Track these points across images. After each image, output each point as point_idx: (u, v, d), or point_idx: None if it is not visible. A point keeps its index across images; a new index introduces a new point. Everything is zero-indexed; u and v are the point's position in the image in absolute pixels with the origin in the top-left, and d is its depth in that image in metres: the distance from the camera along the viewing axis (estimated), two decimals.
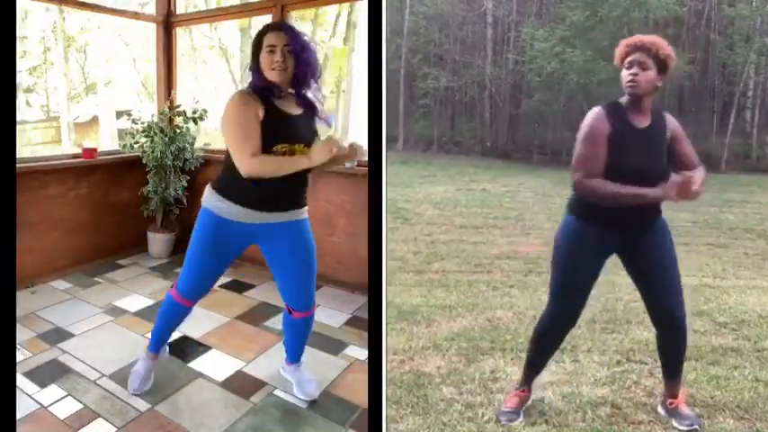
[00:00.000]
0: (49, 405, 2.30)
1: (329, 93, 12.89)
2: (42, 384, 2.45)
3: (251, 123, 2.03)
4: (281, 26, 2.20)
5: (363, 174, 3.58)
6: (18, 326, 2.88)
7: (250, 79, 2.16)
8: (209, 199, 2.18)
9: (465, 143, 11.78)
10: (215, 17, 5.62)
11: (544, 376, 2.38)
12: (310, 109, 2.22)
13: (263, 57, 2.10)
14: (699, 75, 10.82)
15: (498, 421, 2.05)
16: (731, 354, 2.66)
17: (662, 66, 1.89)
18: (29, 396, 2.35)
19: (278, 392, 2.47)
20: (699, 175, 1.83)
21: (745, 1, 10.32)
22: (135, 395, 2.39)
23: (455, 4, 11.71)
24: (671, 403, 2.08)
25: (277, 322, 3.19)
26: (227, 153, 2.12)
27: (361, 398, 2.42)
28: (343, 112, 12.46)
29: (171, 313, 2.40)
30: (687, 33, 10.90)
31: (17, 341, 2.74)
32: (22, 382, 2.44)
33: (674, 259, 2.02)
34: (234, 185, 2.12)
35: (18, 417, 2.13)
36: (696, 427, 2.02)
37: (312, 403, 2.40)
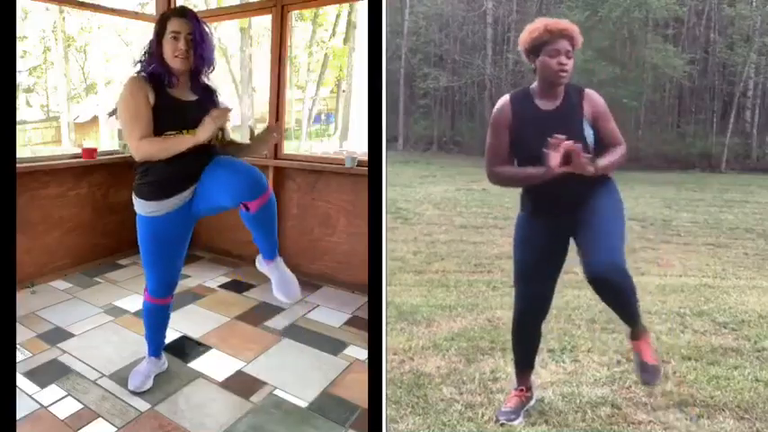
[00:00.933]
0: (49, 405, 2.30)
1: (329, 93, 12.91)
2: (42, 384, 2.44)
3: (141, 108, 2.06)
4: (185, 13, 2.18)
5: (363, 174, 3.58)
6: (18, 326, 2.88)
7: (139, 64, 2.17)
8: (136, 205, 2.25)
9: (465, 143, 11.79)
10: (215, 17, 5.61)
11: (544, 376, 2.39)
12: (206, 94, 2.24)
13: (167, 42, 2.11)
14: (699, 75, 10.82)
15: (497, 420, 2.05)
16: (731, 354, 2.66)
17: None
18: (29, 396, 2.35)
19: (278, 392, 2.47)
20: (611, 154, 1.87)
21: (745, 1, 10.32)
22: (135, 395, 2.39)
23: (455, 4, 11.72)
24: (634, 347, 2.07)
25: (277, 322, 3.19)
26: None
27: (361, 398, 2.42)
28: (343, 112, 12.47)
29: (150, 315, 2.48)
30: (687, 33, 10.90)
31: (17, 341, 2.74)
32: (22, 382, 2.44)
33: (616, 214, 1.94)
34: (144, 184, 2.18)
35: (18, 417, 2.13)
36: (654, 384, 2.05)
37: (312, 403, 2.40)
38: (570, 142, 1.79)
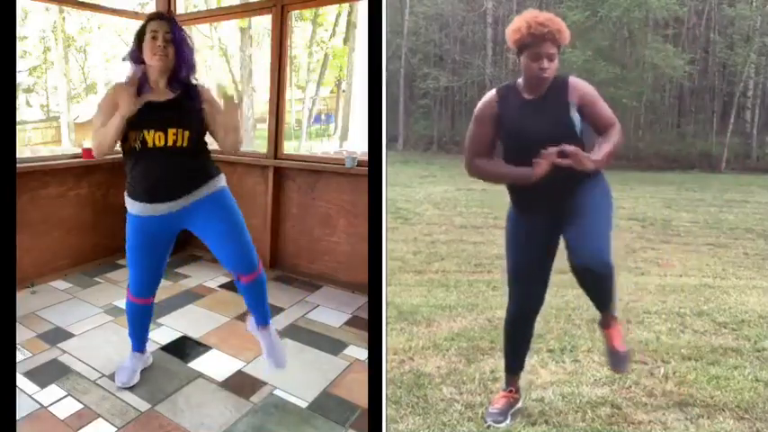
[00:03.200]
0: (49, 405, 2.30)
1: (329, 93, 12.92)
2: (42, 384, 2.44)
3: (105, 109, 2.16)
4: (162, 15, 2.28)
5: (363, 174, 3.58)
6: (18, 326, 2.88)
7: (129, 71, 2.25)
8: (126, 203, 2.29)
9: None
10: (215, 17, 5.62)
11: (544, 376, 2.39)
12: (186, 92, 2.25)
13: (146, 43, 2.17)
14: (699, 75, 10.83)
15: (484, 421, 2.03)
16: (731, 354, 2.66)
17: (560, 49, 1.89)
18: (29, 396, 2.35)
19: (278, 392, 2.47)
20: (606, 140, 1.86)
21: (745, 1, 10.32)
22: (135, 390, 2.40)
23: (455, 4, 11.72)
24: (605, 334, 2.07)
25: (277, 322, 3.19)
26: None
27: (361, 398, 2.41)
28: (343, 112, 12.47)
29: (132, 313, 2.51)
30: (687, 33, 10.90)
31: (17, 341, 2.74)
32: (22, 382, 2.44)
33: (601, 208, 1.92)
34: (130, 186, 2.25)
35: (18, 417, 2.13)
36: (624, 371, 2.07)
37: (312, 403, 2.40)
38: (564, 146, 1.79)
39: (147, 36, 2.16)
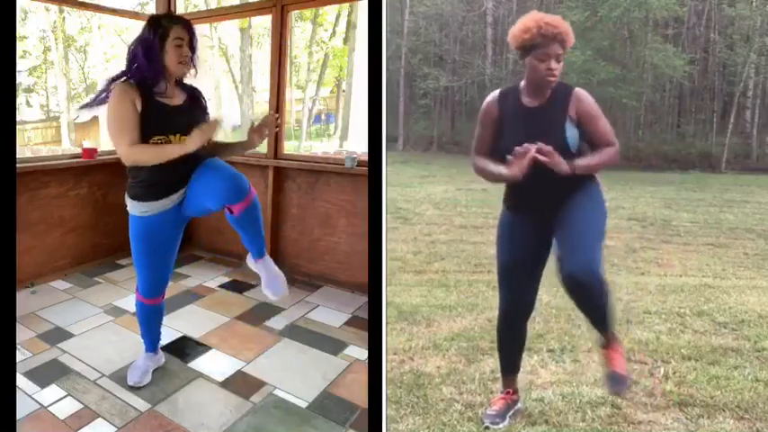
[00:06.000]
0: (49, 405, 2.30)
1: (329, 93, 12.92)
2: (42, 384, 2.44)
3: (128, 114, 2.10)
4: (186, 20, 2.26)
5: (363, 174, 3.58)
6: (18, 326, 2.88)
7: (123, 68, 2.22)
8: (129, 205, 2.30)
9: (465, 143, 11.76)
10: (215, 17, 5.62)
11: (544, 376, 2.39)
12: (193, 97, 2.30)
13: (172, 48, 2.16)
14: (699, 75, 10.82)
15: (483, 423, 2.02)
16: (731, 354, 2.66)
17: (565, 51, 1.88)
18: (29, 396, 2.35)
19: (278, 392, 2.47)
20: (595, 155, 1.85)
21: (745, 1, 10.32)
22: (135, 395, 2.39)
23: (455, 4, 11.71)
24: (602, 353, 2.02)
25: (277, 322, 3.19)
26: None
27: (361, 398, 2.41)
28: (343, 112, 12.47)
29: (142, 313, 2.52)
30: (687, 33, 10.90)
31: (17, 341, 2.74)
32: (22, 382, 2.44)
33: (592, 218, 1.90)
34: (136, 185, 2.24)
35: (18, 417, 2.13)
36: (623, 394, 2.03)
37: (312, 403, 2.40)
38: (540, 145, 1.78)
39: (172, 41, 2.15)
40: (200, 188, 2.18)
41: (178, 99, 2.24)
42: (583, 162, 1.85)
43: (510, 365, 2.13)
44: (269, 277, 2.41)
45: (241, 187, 2.14)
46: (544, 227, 1.94)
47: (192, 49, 2.22)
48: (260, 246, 2.37)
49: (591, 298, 1.87)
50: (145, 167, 2.17)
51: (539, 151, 1.79)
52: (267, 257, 2.41)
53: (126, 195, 2.29)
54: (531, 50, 1.85)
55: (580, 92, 1.89)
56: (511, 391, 2.11)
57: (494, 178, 1.94)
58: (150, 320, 2.55)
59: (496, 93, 1.98)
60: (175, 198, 2.23)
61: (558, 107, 1.88)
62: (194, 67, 2.28)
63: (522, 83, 1.94)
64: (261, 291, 2.41)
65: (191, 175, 2.20)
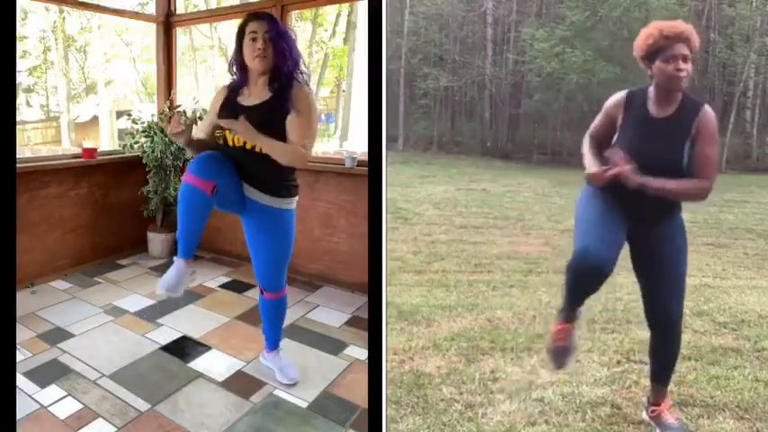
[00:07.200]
0: (49, 405, 2.30)
1: (329, 93, 12.91)
2: (42, 384, 2.44)
3: (210, 111, 2.34)
4: (261, 14, 2.25)
5: (363, 174, 3.58)
6: (18, 326, 2.88)
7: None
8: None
9: (465, 143, 11.78)
10: (215, 17, 5.62)
11: (544, 376, 2.39)
12: (277, 98, 2.19)
13: (247, 46, 2.18)
14: (699, 75, 10.82)
15: (553, 363, 2.01)
16: (731, 354, 2.66)
17: (693, 56, 1.84)
18: (29, 396, 2.35)
19: (278, 392, 2.47)
20: (680, 182, 1.80)
21: (745, 1, 10.32)
22: (135, 390, 2.39)
23: (455, 4, 11.71)
24: (653, 411, 2.03)
25: None
26: None
27: (361, 398, 2.42)
28: (343, 112, 12.46)
29: (189, 203, 2.13)
30: None
31: (17, 341, 2.74)
32: (22, 382, 2.44)
33: (682, 258, 1.92)
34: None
35: (18, 417, 2.13)
36: None
37: (312, 403, 2.40)
38: (623, 165, 1.77)
39: (247, 38, 2.16)
40: (257, 249, 2.40)
41: (263, 96, 2.20)
42: (658, 183, 1.79)
43: (572, 305, 1.98)
44: (282, 366, 2.58)
45: (278, 284, 2.47)
46: (629, 221, 1.88)
47: (274, 40, 2.15)
48: (277, 339, 2.63)
49: (674, 341, 1.97)
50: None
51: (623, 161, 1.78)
52: (281, 350, 2.65)
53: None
54: (658, 55, 1.82)
55: (708, 110, 1.83)
56: (567, 324, 1.99)
57: (585, 161, 1.93)
58: (193, 211, 2.16)
59: (624, 93, 1.92)
60: (252, 193, 2.28)
61: (683, 122, 1.83)
62: (282, 56, 2.16)
63: (651, 88, 1.88)
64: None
65: (260, 186, 2.26)
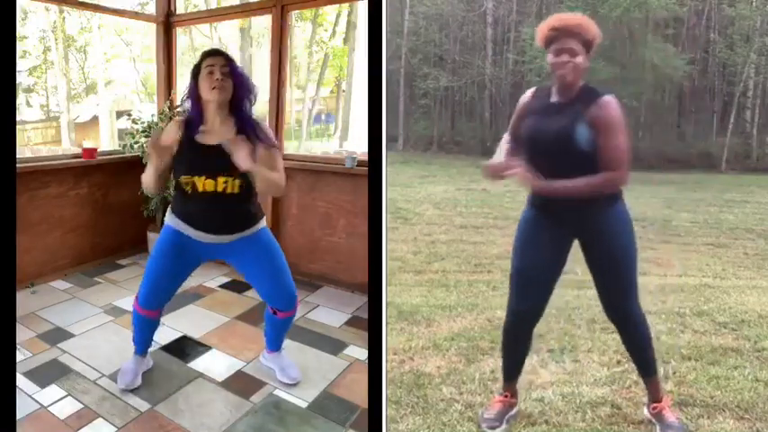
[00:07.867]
0: (49, 405, 2.30)
1: (329, 93, 12.91)
2: (42, 384, 2.45)
3: (163, 146, 2.17)
4: (218, 51, 2.25)
5: (363, 174, 3.58)
6: (18, 326, 2.88)
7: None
8: (169, 217, 2.32)
9: (465, 143, 11.78)
10: (215, 17, 5.62)
11: (544, 376, 2.39)
12: (242, 129, 2.17)
13: (203, 79, 2.16)
14: (699, 75, 10.83)
15: (479, 426, 2.00)
16: (731, 354, 2.65)
17: (588, 47, 1.90)
18: (29, 396, 2.35)
19: (278, 392, 2.47)
20: (585, 178, 1.82)
21: (746, 1, 10.32)
22: (135, 395, 2.39)
23: (455, 4, 11.72)
24: (653, 408, 2.03)
25: None
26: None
27: (361, 398, 2.42)
28: (343, 112, 12.46)
29: (138, 323, 2.49)
30: (687, 33, 10.90)
31: (17, 341, 2.74)
32: (22, 382, 2.44)
33: (628, 253, 1.93)
34: (177, 207, 2.29)
35: (18, 417, 2.13)
36: None
37: (312, 403, 2.40)
38: (514, 162, 1.85)
39: (204, 72, 2.15)
40: (254, 276, 2.40)
41: (222, 135, 2.14)
42: (559, 184, 1.83)
43: (512, 370, 2.09)
44: (283, 366, 2.59)
45: (291, 301, 2.44)
46: (567, 234, 1.95)
47: (232, 74, 2.16)
48: (280, 343, 2.64)
49: (640, 336, 1.98)
50: (183, 201, 2.24)
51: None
52: (283, 351, 2.66)
53: (169, 208, 2.34)
54: (549, 46, 1.89)
55: (606, 100, 1.84)
56: (509, 394, 2.08)
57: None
58: (143, 329, 2.52)
59: (533, 89, 2.03)
60: (213, 239, 2.26)
61: (577, 107, 1.86)
62: (240, 88, 2.18)
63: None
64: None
65: (234, 225, 2.25)
